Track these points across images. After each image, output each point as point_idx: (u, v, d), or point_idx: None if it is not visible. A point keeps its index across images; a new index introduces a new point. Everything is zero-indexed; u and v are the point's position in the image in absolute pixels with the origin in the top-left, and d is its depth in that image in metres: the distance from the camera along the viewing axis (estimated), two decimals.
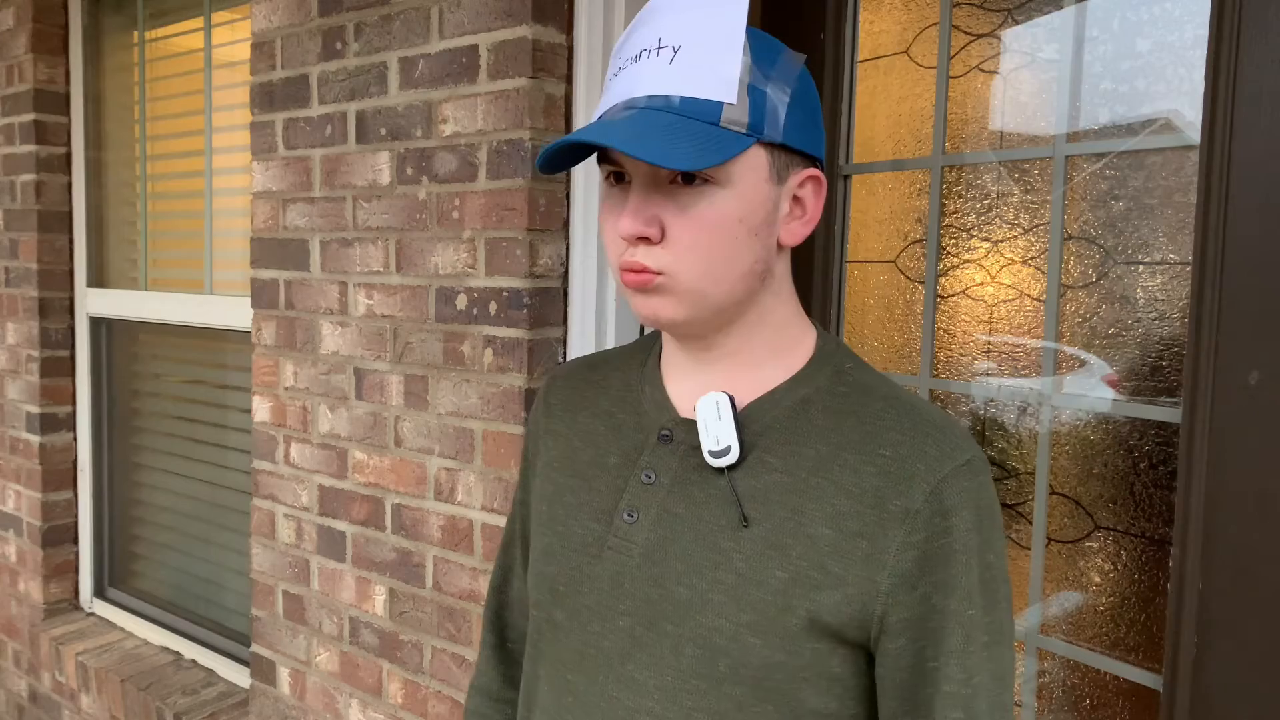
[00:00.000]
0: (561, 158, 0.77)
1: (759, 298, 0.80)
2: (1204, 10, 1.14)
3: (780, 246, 0.79)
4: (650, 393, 0.86)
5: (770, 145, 0.74)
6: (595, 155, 0.79)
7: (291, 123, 1.86)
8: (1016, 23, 1.33)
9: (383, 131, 1.69)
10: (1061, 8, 1.28)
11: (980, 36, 1.37)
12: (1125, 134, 1.22)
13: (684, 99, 0.72)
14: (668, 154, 0.69)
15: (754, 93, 0.73)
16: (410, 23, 1.63)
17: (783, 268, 0.81)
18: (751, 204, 0.74)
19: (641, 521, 0.81)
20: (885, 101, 1.49)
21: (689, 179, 0.73)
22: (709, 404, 0.79)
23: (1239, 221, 1.06)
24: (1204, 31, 1.14)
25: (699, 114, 0.72)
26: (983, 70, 1.36)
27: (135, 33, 2.54)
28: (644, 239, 0.74)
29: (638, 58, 0.75)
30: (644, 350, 0.91)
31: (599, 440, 0.87)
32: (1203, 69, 1.11)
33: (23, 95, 2.58)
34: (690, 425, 0.81)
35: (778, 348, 0.82)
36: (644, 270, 0.74)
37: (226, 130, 2.30)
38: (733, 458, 0.78)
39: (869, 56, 1.50)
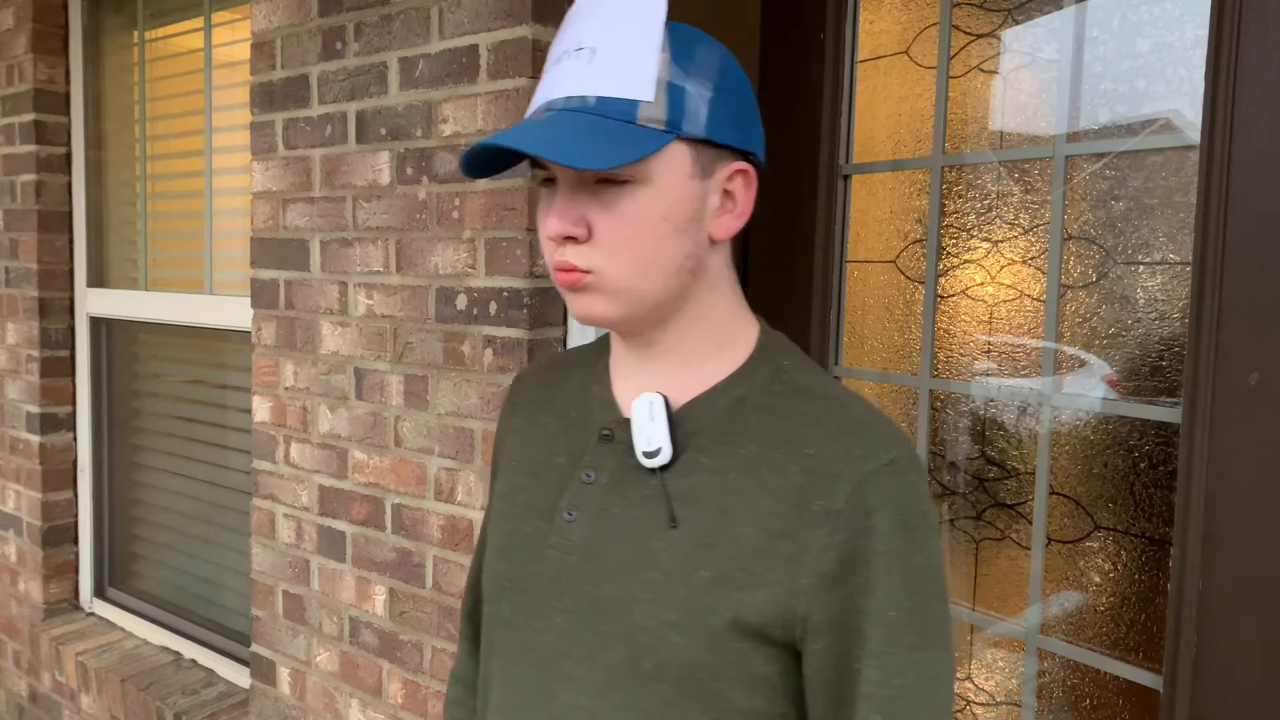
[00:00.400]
0: (488, 162, 0.78)
1: (695, 294, 0.80)
2: (1204, 10, 1.14)
3: (713, 241, 0.79)
4: (598, 391, 0.87)
5: (693, 141, 0.74)
6: (529, 159, 0.79)
7: (291, 123, 1.86)
8: (1016, 23, 1.33)
9: (383, 131, 1.69)
10: (1061, 8, 1.28)
11: (980, 36, 1.37)
12: (1125, 134, 1.22)
13: (600, 99, 0.72)
14: (578, 154, 0.69)
15: (673, 89, 0.73)
16: (410, 23, 1.63)
17: (719, 262, 0.81)
18: (675, 200, 0.75)
19: (580, 520, 0.82)
20: (885, 101, 1.49)
21: (613, 178, 0.73)
22: (643, 405, 0.79)
23: (1239, 221, 1.06)
24: (1204, 31, 1.14)
25: (615, 113, 0.72)
26: (983, 70, 1.36)
27: (135, 33, 2.54)
28: (572, 239, 0.75)
29: (559, 60, 0.76)
30: (601, 349, 0.92)
31: (551, 439, 0.88)
32: (1203, 69, 1.11)
33: (23, 95, 2.58)
34: (629, 425, 0.82)
35: (718, 343, 0.82)
36: (574, 269, 0.75)
37: (226, 130, 2.30)
38: (664, 459, 0.78)
39: (869, 56, 1.50)
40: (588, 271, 0.75)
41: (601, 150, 0.70)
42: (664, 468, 0.79)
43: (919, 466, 0.76)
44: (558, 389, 0.92)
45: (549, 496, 0.85)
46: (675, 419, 0.80)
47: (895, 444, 0.75)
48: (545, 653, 0.82)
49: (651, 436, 0.78)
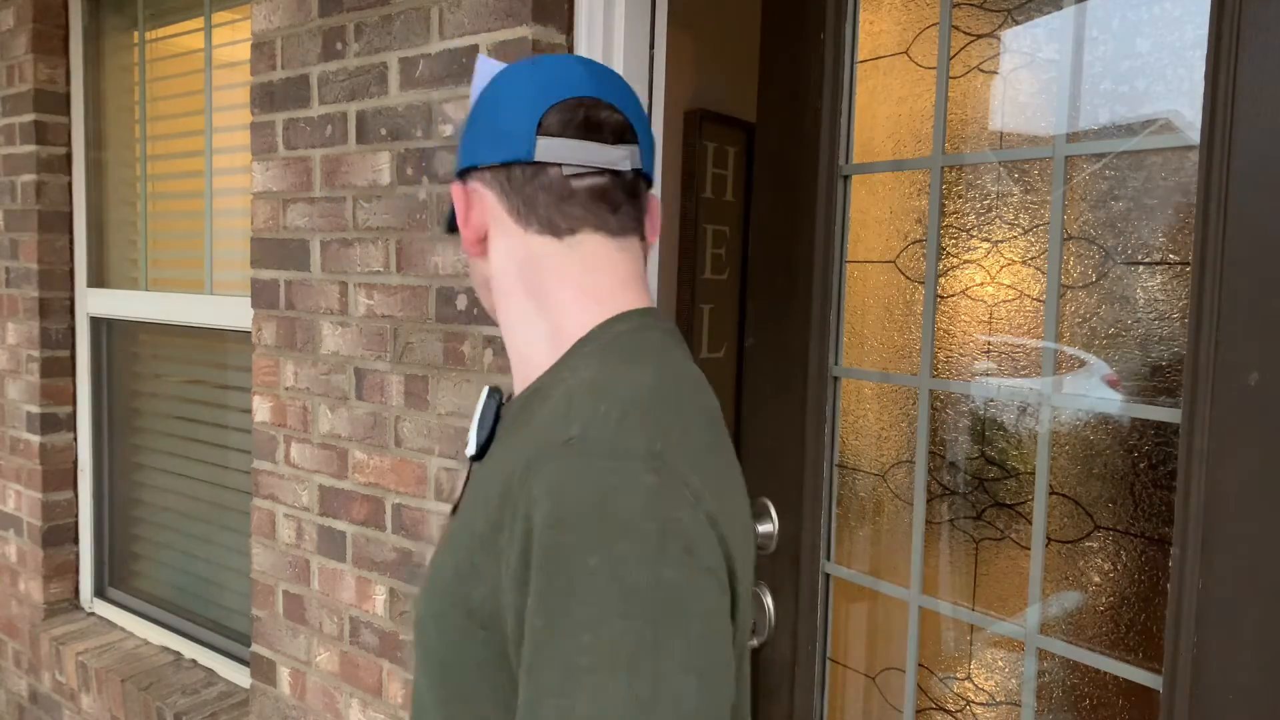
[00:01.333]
0: None
1: (500, 303, 0.85)
2: (1204, 10, 1.14)
3: (475, 255, 0.87)
4: None
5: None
6: None
7: (292, 123, 1.86)
8: (1016, 23, 1.33)
9: (383, 131, 1.69)
10: (1061, 8, 1.28)
11: (980, 36, 1.37)
12: (1125, 134, 1.22)
13: None
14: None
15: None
16: (410, 23, 1.63)
17: (503, 271, 0.84)
18: (464, 231, 0.86)
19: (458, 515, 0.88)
20: (885, 101, 1.49)
21: None
22: (481, 400, 0.86)
23: (1239, 221, 1.06)
24: (1204, 31, 1.14)
25: None
26: (983, 70, 1.36)
27: (135, 33, 2.54)
28: None
29: None
30: None
31: None
32: (1203, 69, 1.11)
33: (23, 95, 2.58)
34: None
35: (533, 342, 0.82)
36: None
37: (226, 130, 2.30)
38: (470, 450, 0.83)
39: (869, 56, 1.50)
40: None
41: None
42: (475, 458, 0.82)
43: (615, 450, 0.61)
44: None
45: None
46: (502, 414, 0.85)
47: (586, 421, 0.63)
48: None
49: (474, 430, 0.84)
